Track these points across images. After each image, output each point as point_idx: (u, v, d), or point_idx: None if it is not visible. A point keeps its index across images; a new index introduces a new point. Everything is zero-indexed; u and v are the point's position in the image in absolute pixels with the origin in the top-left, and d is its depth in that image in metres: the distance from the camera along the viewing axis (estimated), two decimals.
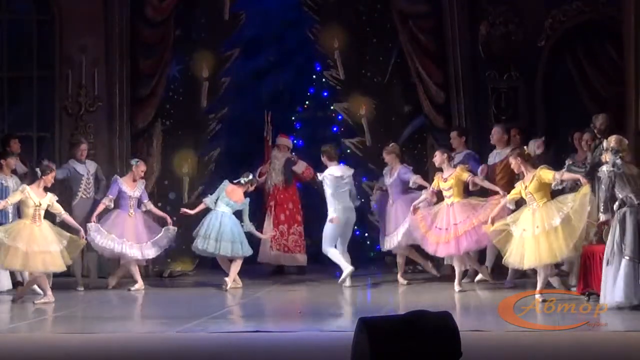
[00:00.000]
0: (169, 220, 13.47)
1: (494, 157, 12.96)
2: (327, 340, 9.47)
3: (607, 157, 10.81)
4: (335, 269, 14.99)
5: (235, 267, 13.23)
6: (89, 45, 14.31)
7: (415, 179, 13.09)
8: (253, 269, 14.06)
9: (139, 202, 13.41)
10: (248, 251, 13.39)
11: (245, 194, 13.44)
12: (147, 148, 14.33)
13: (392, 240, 13.24)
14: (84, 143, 13.63)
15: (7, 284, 12.95)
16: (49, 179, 12.27)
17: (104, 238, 13.07)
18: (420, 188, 13.06)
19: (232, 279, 13.15)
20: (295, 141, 15.51)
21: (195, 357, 9.10)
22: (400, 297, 12.48)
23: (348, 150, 15.24)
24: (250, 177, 13.49)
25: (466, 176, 12.41)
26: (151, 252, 13.33)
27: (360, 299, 13.09)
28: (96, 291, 13.02)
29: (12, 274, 13.02)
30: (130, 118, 14.38)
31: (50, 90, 14.52)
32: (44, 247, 11.99)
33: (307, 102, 16.68)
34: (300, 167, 14.54)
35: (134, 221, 13.30)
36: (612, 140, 10.85)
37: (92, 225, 12.99)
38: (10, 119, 14.52)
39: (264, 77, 16.48)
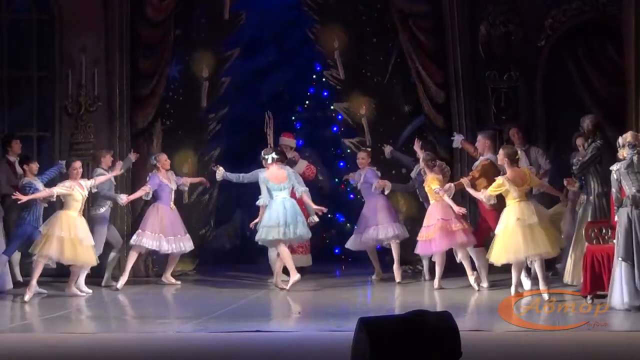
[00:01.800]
0: (204, 181, 13.81)
1: None
2: (327, 340, 9.47)
3: (623, 153, 10.68)
4: (336, 269, 15.03)
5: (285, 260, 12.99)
6: (89, 45, 14.30)
7: (376, 183, 13.36)
8: (253, 269, 14.05)
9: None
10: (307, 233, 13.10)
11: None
12: (147, 148, 14.32)
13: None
14: (110, 153, 13.55)
15: (8, 283, 12.93)
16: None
17: (153, 240, 13.16)
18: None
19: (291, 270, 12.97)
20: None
21: (195, 357, 9.11)
22: (400, 297, 12.48)
23: (348, 150, 15.24)
24: (269, 149, 13.20)
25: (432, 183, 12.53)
26: (189, 245, 13.41)
27: (360, 299, 13.09)
28: (96, 291, 12.99)
29: (13, 274, 13.02)
30: (130, 118, 14.38)
31: (50, 90, 14.51)
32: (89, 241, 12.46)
33: (307, 102, 16.69)
34: (301, 166, 14.32)
35: (174, 214, 13.38)
36: (627, 136, 10.73)
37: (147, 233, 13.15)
38: (11, 119, 14.50)
39: (264, 77, 16.48)
